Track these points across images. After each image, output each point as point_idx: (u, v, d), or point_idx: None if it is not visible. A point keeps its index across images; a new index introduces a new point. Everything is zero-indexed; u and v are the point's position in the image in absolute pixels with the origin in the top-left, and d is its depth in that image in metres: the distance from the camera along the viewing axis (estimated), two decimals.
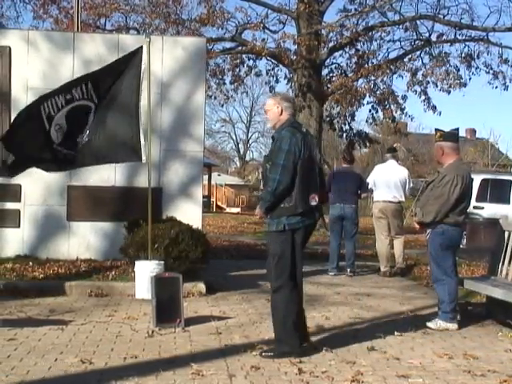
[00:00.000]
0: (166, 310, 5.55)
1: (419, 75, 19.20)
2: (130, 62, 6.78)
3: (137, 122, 6.75)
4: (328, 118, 20.53)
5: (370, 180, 9.66)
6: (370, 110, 20.01)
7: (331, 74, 19.82)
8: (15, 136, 6.65)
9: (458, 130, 6.16)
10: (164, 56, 8.91)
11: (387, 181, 9.30)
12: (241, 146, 59.68)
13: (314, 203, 4.65)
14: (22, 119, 6.71)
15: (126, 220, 8.26)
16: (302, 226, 4.65)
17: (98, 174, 8.68)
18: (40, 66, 8.84)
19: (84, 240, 8.83)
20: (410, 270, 9.54)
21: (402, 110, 19.55)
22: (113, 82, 6.72)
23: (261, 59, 19.54)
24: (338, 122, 20.65)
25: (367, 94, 19.36)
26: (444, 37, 19.03)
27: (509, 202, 13.66)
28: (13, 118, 7.09)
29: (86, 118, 6.71)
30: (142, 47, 6.79)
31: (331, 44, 18.64)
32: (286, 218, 4.58)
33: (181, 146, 8.97)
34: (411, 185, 9.55)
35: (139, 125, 6.76)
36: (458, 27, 18.72)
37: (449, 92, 18.88)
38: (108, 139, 6.78)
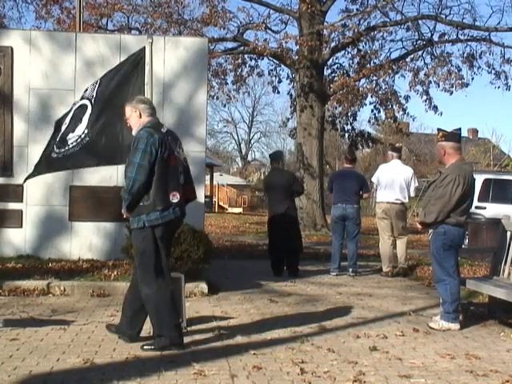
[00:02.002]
0: None
1: (421, 75, 19.24)
2: (132, 62, 6.76)
3: None
4: (330, 118, 20.55)
5: (374, 179, 9.64)
6: (372, 110, 20.06)
7: (333, 74, 19.85)
8: None
9: (460, 130, 6.14)
10: (166, 56, 8.91)
11: (391, 181, 9.25)
12: (243, 146, 59.77)
13: (175, 200, 4.79)
14: None
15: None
16: (163, 222, 4.75)
17: (99, 174, 8.68)
18: (42, 66, 8.85)
19: (86, 240, 8.84)
20: (412, 270, 9.52)
21: (404, 110, 19.57)
22: (115, 85, 6.68)
23: (263, 59, 19.62)
24: (340, 121, 20.66)
25: (369, 94, 19.38)
26: (446, 37, 19.07)
27: (511, 202, 13.62)
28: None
29: (81, 118, 6.59)
30: (144, 48, 6.78)
31: (333, 44, 18.69)
32: (145, 216, 4.73)
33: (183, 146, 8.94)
34: (416, 184, 9.47)
35: None
36: (460, 27, 18.74)
37: (451, 92, 18.90)
38: (110, 141, 6.74)
